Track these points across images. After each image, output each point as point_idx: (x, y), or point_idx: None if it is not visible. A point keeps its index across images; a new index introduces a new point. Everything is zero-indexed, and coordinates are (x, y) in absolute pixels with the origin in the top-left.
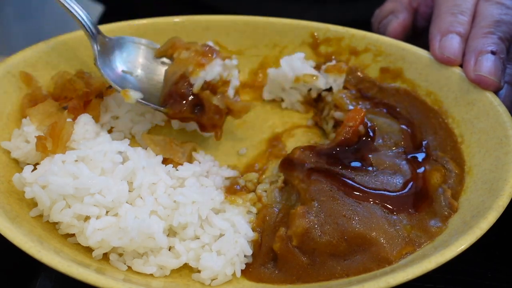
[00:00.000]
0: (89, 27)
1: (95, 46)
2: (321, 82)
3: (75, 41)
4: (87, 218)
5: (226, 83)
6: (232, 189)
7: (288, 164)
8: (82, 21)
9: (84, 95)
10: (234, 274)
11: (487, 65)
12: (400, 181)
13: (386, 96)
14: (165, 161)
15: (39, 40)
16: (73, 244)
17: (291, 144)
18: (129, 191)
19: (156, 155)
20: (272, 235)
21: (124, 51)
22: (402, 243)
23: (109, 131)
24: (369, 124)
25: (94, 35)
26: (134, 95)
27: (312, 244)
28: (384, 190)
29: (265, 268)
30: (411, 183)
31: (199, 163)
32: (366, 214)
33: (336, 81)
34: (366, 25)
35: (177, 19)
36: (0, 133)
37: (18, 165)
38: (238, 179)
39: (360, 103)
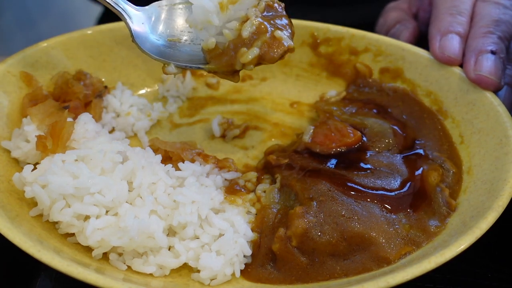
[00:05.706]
0: (116, 3)
1: (129, 23)
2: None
3: (75, 41)
4: (87, 217)
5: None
6: (231, 189)
7: (270, 167)
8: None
9: (84, 98)
10: (233, 274)
11: (487, 64)
12: (398, 181)
13: (382, 96)
14: (164, 161)
15: (39, 40)
16: (73, 244)
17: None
18: (128, 190)
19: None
20: (271, 236)
21: (163, 18)
22: (401, 243)
23: (111, 132)
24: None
25: (125, 11)
26: (172, 71)
27: (311, 244)
28: (382, 190)
29: (264, 269)
30: (409, 182)
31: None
32: (365, 214)
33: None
34: (368, 29)
35: None
36: (0, 132)
37: (18, 164)
38: (238, 179)
39: (347, 107)
